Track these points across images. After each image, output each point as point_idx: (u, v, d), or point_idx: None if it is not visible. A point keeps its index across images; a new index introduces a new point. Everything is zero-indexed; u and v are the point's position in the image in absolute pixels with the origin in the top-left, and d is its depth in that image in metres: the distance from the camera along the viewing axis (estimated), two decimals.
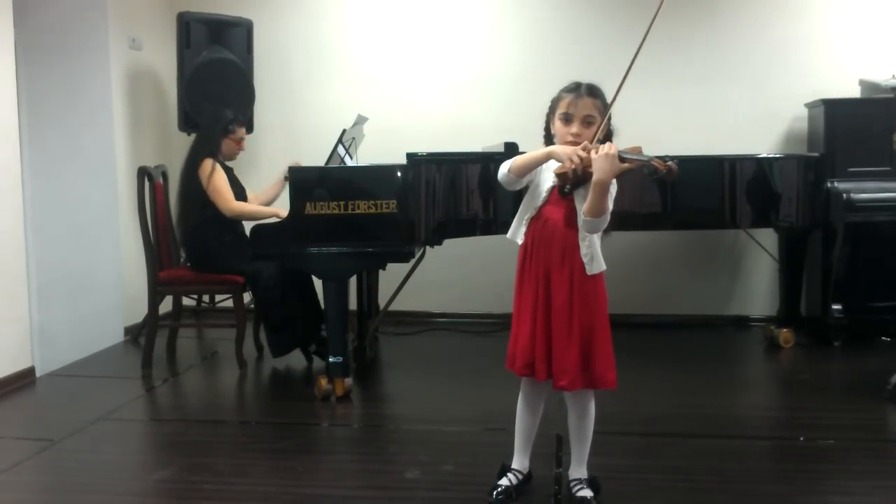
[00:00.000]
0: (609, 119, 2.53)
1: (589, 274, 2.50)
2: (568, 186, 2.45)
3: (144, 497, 2.85)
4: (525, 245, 2.58)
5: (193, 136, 4.77)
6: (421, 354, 4.84)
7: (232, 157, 4.56)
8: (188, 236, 4.44)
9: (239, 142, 4.52)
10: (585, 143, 2.44)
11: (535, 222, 2.56)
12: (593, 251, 2.51)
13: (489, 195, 4.07)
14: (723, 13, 5.31)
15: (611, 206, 2.45)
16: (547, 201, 2.55)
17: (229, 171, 4.50)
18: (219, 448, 3.32)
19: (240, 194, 4.48)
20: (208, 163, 4.32)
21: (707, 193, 4.48)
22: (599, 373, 2.52)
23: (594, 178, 2.35)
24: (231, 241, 4.37)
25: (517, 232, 2.61)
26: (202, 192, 4.31)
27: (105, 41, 4.98)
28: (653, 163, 2.37)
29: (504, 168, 2.55)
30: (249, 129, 5.28)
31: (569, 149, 2.44)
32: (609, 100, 2.53)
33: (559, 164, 2.48)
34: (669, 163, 2.36)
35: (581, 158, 2.38)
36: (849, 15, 5.22)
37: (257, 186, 4.80)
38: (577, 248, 2.50)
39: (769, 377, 4.50)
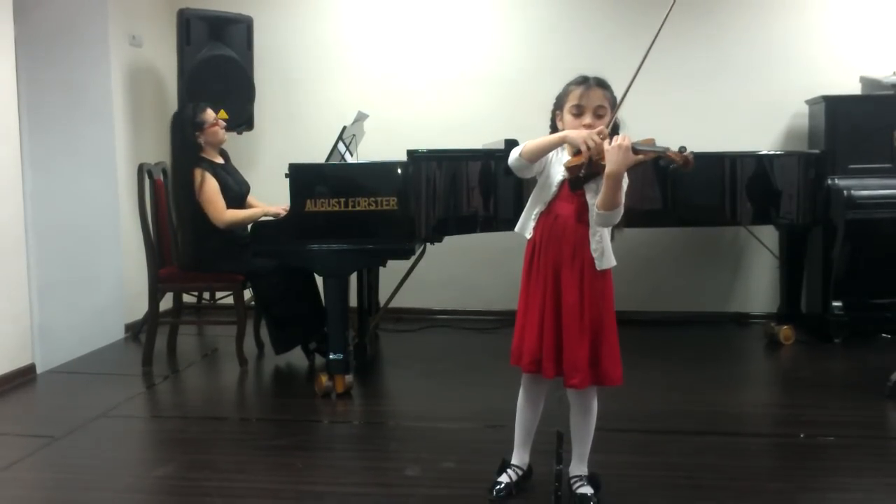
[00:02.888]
0: (616, 112, 2.51)
1: (599, 269, 2.49)
2: (582, 173, 2.40)
3: (145, 494, 2.85)
4: (534, 240, 2.56)
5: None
6: (421, 351, 4.84)
7: (219, 143, 4.41)
8: (187, 245, 4.37)
9: (214, 125, 4.35)
10: (601, 127, 2.39)
11: (545, 217, 2.54)
12: (604, 246, 2.49)
13: (490, 192, 4.07)
14: (723, 10, 5.31)
15: (623, 199, 2.41)
16: (557, 196, 2.52)
17: (225, 168, 4.43)
18: (219, 445, 3.32)
19: (239, 193, 4.43)
20: (197, 173, 4.22)
21: (708, 190, 4.48)
22: (607, 370, 2.51)
23: (607, 169, 2.32)
24: (231, 248, 4.31)
25: (526, 226, 2.59)
26: (196, 202, 4.24)
27: (105, 38, 4.97)
28: (668, 153, 2.34)
29: (515, 152, 2.49)
30: (249, 126, 5.28)
31: (583, 132, 2.38)
32: (617, 95, 2.52)
33: (570, 157, 2.47)
34: (686, 153, 2.34)
35: (595, 143, 2.34)
36: (850, 11, 5.21)
37: (257, 184, 4.77)
38: (587, 243, 2.48)
39: (770, 374, 4.50)
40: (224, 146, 4.50)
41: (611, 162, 2.31)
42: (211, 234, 4.28)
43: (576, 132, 2.42)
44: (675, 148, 2.36)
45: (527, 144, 2.48)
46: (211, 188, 4.23)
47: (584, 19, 5.40)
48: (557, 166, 2.52)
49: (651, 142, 2.38)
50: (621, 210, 2.40)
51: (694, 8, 5.26)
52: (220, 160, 4.45)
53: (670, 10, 2.42)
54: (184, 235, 4.40)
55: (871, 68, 5.02)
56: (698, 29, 5.27)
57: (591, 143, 2.34)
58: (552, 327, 2.51)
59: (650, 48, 2.42)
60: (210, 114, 4.36)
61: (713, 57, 5.30)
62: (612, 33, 5.26)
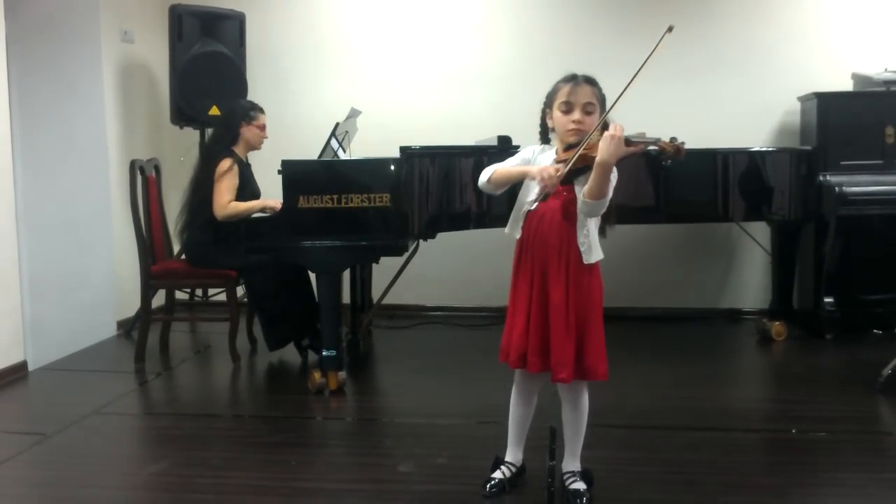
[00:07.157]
0: (606, 114, 2.52)
1: (586, 263, 2.49)
2: (570, 166, 2.40)
3: (138, 491, 2.84)
4: (522, 238, 2.57)
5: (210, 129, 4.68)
6: (414, 348, 4.85)
7: (257, 145, 4.46)
8: (189, 229, 4.37)
9: (262, 128, 4.43)
10: (559, 165, 2.42)
11: (532, 215, 2.54)
12: (591, 240, 2.49)
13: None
14: (716, 7, 5.31)
15: (611, 193, 2.42)
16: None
17: (247, 169, 4.45)
18: (212, 442, 3.32)
19: (253, 194, 4.42)
20: (227, 162, 4.25)
21: (700, 187, 4.50)
22: (591, 364, 2.52)
23: (598, 158, 2.32)
24: (226, 242, 4.30)
25: (515, 227, 2.59)
26: (210, 189, 4.25)
27: (97, 34, 4.95)
28: (660, 144, 2.37)
29: (484, 177, 2.57)
30: None
31: (541, 168, 2.41)
32: (605, 91, 2.53)
33: (557, 156, 2.49)
34: (677, 143, 2.36)
35: (549, 177, 2.36)
36: (842, 8, 5.23)
37: None
38: (574, 239, 2.48)
39: (761, 370, 4.52)
40: None
41: (602, 151, 2.32)
42: (209, 226, 4.29)
43: (536, 168, 2.44)
44: (666, 139, 2.39)
45: (497, 171, 2.55)
46: (228, 181, 4.24)
47: (577, 17, 5.39)
48: (545, 164, 2.52)
49: (642, 135, 2.41)
50: (606, 201, 2.41)
51: (687, 5, 5.27)
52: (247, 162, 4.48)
53: (659, 42, 2.38)
54: (189, 221, 4.37)
55: (863, 65, 5.03)
56: (691, 26, 5.27)
57: (546, 176, 2.37)
58: (539, 324, 2.52)
59: (638, 71, 2.34)
60: (263, 118, 4.43)
61: (706, 53, 5.30)
62: (604, 32, 5.26)
